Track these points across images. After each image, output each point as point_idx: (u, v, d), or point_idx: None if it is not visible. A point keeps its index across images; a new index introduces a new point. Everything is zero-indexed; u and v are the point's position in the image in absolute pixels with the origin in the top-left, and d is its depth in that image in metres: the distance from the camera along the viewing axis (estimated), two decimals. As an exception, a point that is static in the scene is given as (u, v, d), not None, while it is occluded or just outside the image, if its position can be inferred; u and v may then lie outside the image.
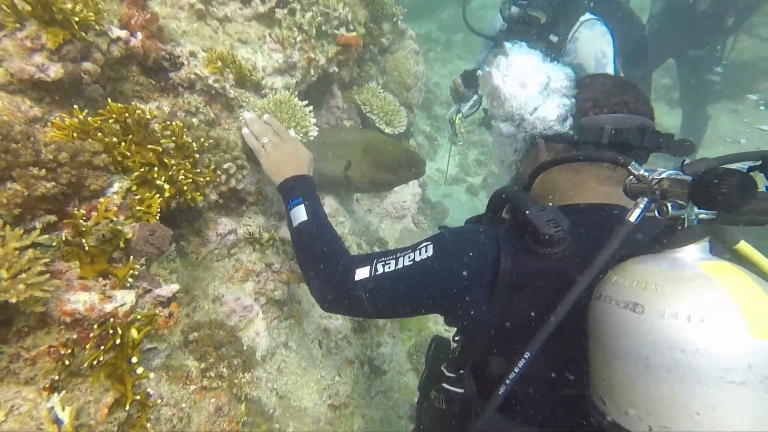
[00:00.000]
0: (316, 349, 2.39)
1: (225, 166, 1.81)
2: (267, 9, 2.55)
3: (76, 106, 1.30)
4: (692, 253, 0.72)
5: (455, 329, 1.15)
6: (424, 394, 1.26)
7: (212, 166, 1.62)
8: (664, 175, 0.76)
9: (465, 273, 1.00)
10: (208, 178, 1.50)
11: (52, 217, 1.13)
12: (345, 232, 3.20)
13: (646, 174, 0.80)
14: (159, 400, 1.26)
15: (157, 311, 1.22)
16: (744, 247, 0.79)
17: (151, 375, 1.15)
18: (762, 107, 5.67)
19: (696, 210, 0.74)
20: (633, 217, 0.78)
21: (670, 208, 0.75)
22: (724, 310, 0.62)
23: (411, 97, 4.43)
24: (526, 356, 0.79)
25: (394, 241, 3.59)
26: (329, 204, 3.15)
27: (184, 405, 1.35)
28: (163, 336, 1.31)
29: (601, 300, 0.74)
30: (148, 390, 1.17)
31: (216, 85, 2.01)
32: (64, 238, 1.11)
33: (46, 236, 1.10)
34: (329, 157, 2.49)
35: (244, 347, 1.72)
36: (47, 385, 1.03)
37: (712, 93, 4.48)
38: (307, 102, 2.26)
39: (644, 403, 0.64)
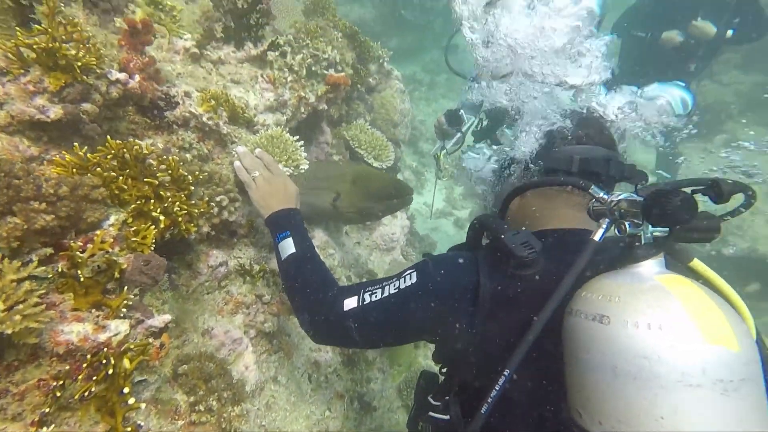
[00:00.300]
0: (306, 383, 2.37)
1: (217, 199, 1.86)
2: (259, 52, 2.68)
3: (76, 144, 1.35)
4: (650, 268, 0.79)
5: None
6: (412, 429, 1.27)
7: (206, 199, 1.66)
8: (621, 197, 0.85)
9: (447, 298, 1.04)
10: (202, 210, 1.55)
11: (49, 250, 1.16)
12: (335, 264, 3.22)
13: (606, 197, 0.88)
14: (148, 435, 1.25)
15: (149, 341, 1.23)
16: (697, 264, 0.86)
17: (142, 406, 1.15)
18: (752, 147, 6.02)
19: (651, 228, 0.82)
20: (597, 237, 0.85)
21: (627, 226, 0.83)
22: (680, 319, 0.68)
23: (398, 133, 4.58)
24: (505, 374, 0.83)
25: (384, 273, 3.62)
26: (319, 237, 3.19)
27: (172, 440, 1.34)
28: (153, 368, 1.31)
29: (572, 315, 0.79)
30: (138, 422, 1.16)
31: (210, 122, 2.09)
32: (60, 270, 1.13)
33: (42, 268, 1.13)
34: (319, 190, 2.56)
35: (234, 380, 1.71)
36: (36, 420, 1.03)
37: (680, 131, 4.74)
38: (298, 137, 2.35)
39: (614, 411, 0.68)
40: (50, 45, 1.29)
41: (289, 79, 2.77)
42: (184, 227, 1.44)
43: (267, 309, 2.21)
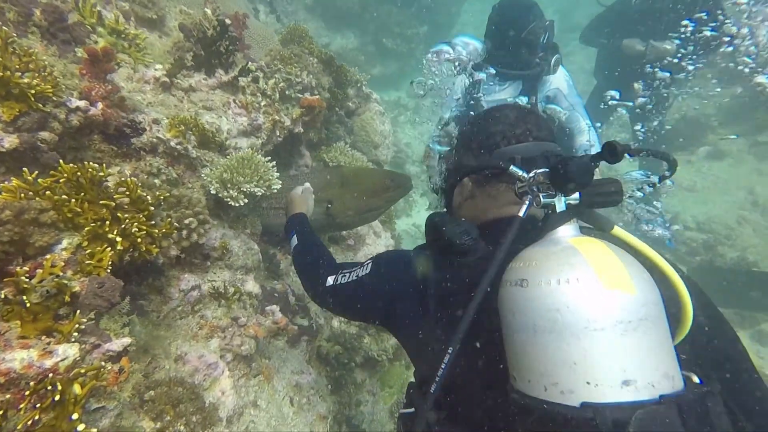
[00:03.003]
0: (288, 406, 2.30)
1: (186, 221, 1.85)
2: (230, 78, 2.72)
3: (25, 169, 1.34)
4: (564, 232, 0.85)
5: None
6: None
7: (171, 221, 1.65)
8: (537, 172, 0.91)
9: (394, 288, 1.12)
10: (164, 230, 1.53)
11: (-5, 276, 1.14)
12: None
13: (525, 175, 0.94)
14: (106, 465, 1.20)
15: (107, 366, 1.19)
16: (618, 231, 0.90)
17: (95, 430, 1.10)
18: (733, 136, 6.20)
19: (564, 199, 0.88)
20: (521, 212, 0.90)
21: (542, 198, 0.89)
22: (583, 271, 0.73)
23: (379, 154, 4.62)
24: (449, 351, 0.85)
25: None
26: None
27: (134, 470, 1.28)
28: (112, 393, 1.27)
29: (502, 286, 0.83)
30: (90, 449, 1.11)
31: (178, 146, 2.10)
32: (3, 296, 1.11)
33: (-14, 295, 1.10)
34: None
35: (206, 404, 1.66)
36: (-22, 453, 0.99)
37: (662, 141, 4.82)
38: (270, 158, 2.36)
39: (538, 366, 0.72)
40: (2, 74, 1.30)
41: (263, 103, 2.80)
42: (144, 248, 1.43)
43: (243, 332, 2.17)
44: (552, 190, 0.89)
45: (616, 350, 0.67)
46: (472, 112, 3.04)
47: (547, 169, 0.90)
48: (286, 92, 3.03)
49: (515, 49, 2.81)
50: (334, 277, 1.34)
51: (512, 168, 0.97)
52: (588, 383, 0.67)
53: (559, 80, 3.05)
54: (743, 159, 6.41)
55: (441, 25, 9.69)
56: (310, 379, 2.50)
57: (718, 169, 6.38)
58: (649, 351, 0.68)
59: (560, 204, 0.88)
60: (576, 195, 0.90)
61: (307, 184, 2.33)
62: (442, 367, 0.85)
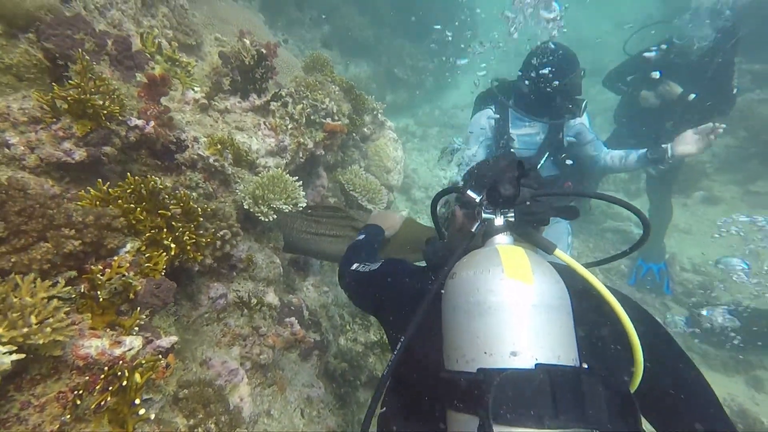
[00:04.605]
0: (299, 418, 2.40)
1: (221, 233, 2.00)
2: (263, 102, 2.93)
3: (99, 180, 1.51)
4: (499, 240, 1.06)
5: None
6: None
7: (212, 230, 1.80)
8: (483, 194, 1.13)
9: (389, 290, 1.31)
10: (208, 240, 1.68)
11: (73, 273, 1.28)
12: (328, 302, 3.31)
13: (475, 196, 1.15)
14: (149, 454, 1.31)
15: (158, 358, 1.32)
16: (559, 253, 1.07)
17: (152, 416, 1.23)
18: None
19: (504, 215, 1.09)
20: (474, 229, 1.10)
21: (483, 213, 1.10)
22: (495, 264, 0.90)
23: (391, 179, 4.81)
24: (401, 340, 0.99)
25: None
26: (312, 277, 3.30)
27: (171, 461, 1.39)
28: (159, 386, 1.39)
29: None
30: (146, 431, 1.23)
31: (216, 163, 2.27)
32: (81, 291, 1.25)
33: (67, 288, 1.24)
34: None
35: (231, 407, 1.77)
36: (54, 430, 1.11)
37: (669, 184, 5.02)
38: (297, 177, 2.53)
39: (455, 342, 0.87)
40: (81, 96, 1.48)
41: (290, 126, 3.00)
42: (192, 255, 1.57)
43: (263, 341, 2.29)
44: (490, 209, 1.10)
45: (510, 327, 0.82)
46: (502, 142, 3.18)
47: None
48: (311, 117, 3.23)
49: (551, 96, 2.90)
50: (357, 264, 1.55)
51: (468, 192, 1.18)
52: (485, 353, 0.81)
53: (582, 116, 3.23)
54: (736, 206, 6.65)
55: (450, 59, 10.09)
56: (320, 393, 2.60)
57: (713, 214, 6.60)
58: (538, 330, 0.82)
59: (499, 219, 1.09)
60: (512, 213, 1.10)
61: (405, 212, 2.57)
62: (395, 354, 0.99)
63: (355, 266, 1.54)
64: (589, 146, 3.23)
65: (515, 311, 0.84)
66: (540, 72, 2.87)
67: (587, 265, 1.05)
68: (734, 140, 6.73)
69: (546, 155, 3.21)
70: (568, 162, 3.21)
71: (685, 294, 5.33)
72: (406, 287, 1.26)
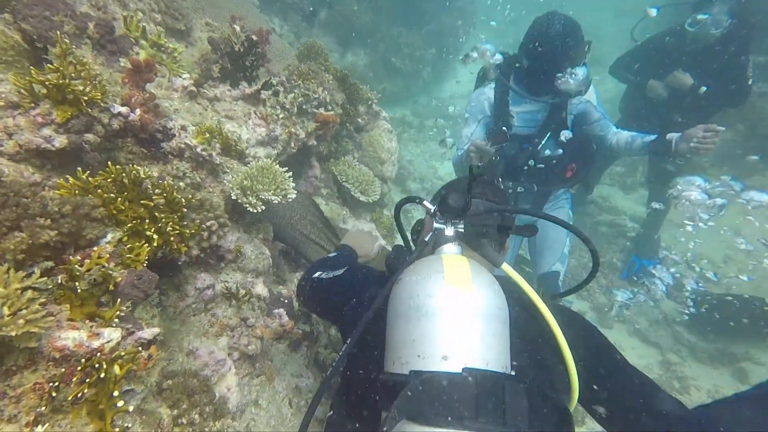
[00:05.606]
0: (287, 407, 2.40)
1: (208, 223, 1.97)
2: (253, 91, 2.88)
3: (79, 168, 1.47)
4: (446, 249, 1.08)
5: None
6: None
7: (197, 222, 1.78)
8: (436, 207, 1.17)
9: (352, 295, 1.33)
10: (193, 231, 1.66)
11: (50, 263, 1.26)
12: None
13: (430, 206, 1.21)
14: (131, 443, 1.30)
15: (138, 350, 1.31)
16: (505, 267, 1.11)
17: (131, 408, 1.22)
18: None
19: (454, 226, 1.13)
20: (427, 238, 1.15)
21: (435, 223, 1.15)
22: (436, 271, 0.92)
23: (385, 170, 4.78)
24: (347, 341, 1.01)
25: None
26: (303, 269, 3.29)
27: (154, 452, 1.38)
28: (140, 378, 1.38)
29: None
30: (126, 424, 1.23)
31: (203, 153, 2.24)
32: (59, 282, 1.23)
33: (43, 279, 1.22)
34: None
35: (216, 397, 1.77)
36: (30, 420, 1.10)
37: (671, 173, 4.96)
38: (287, 168, 2.50)
39: (394, 345, 0.89)
40: (61, 81, 1.44)
41: (281, 116, 2.96)
42: (175, 246, 1.55)
43: (251, 332, 2.28)
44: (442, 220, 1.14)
45: (444, 332, 0.84)
46: (500, 122, 3.03)
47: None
48: (303, 106, 3.19)
49: (553, 72, 2.73)
50: (320, 273, 1.57)
51: (424, 202, 1.25)
52: (419, 356, 0.83)
53: (588, 93, 3.03)
54: (732, 201, 6.67)
55: (448, 49, 10.00)
56: (309, 383, 2.60)
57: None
58: (471, 336, 0.84)
59: (449, 230, 1.13)
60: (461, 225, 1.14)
61: (382, 241, 2.55)
62: (340, 353, 1.02)
63: (317, 274, 1.56)
64: (596, 125, 3.07)
65: (450, 316, 0.85)
66: (540, 44, 2.66)
67: (561, 295, 1.17)
68: (732, 134, 6.72)
69: (548, 135, 3.06)
70: (563, 137, 3.01)
71: (677, 287, 5.36)
72: (366, 292, 1.29)
